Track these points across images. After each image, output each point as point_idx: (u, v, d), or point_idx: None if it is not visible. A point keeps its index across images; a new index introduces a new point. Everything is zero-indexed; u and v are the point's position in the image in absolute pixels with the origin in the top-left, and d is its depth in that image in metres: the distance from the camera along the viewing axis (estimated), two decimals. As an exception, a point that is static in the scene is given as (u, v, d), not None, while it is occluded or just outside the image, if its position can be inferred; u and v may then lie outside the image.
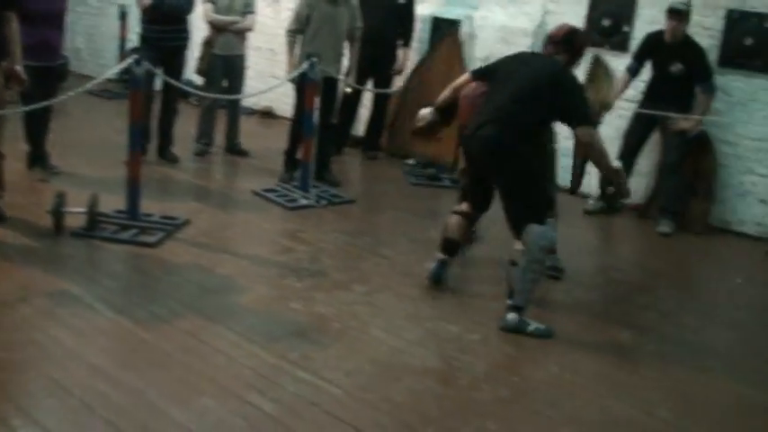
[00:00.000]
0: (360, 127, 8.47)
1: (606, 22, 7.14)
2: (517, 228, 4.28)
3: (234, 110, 7.58)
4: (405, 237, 5.69)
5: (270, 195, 6.26)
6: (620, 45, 7.09)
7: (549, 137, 4.93)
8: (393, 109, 8.23)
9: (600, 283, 5.23)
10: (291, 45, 6.68)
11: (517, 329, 4.16)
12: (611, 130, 6.87)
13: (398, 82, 8.01)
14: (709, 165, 6.62)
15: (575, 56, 4.64)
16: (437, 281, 4.69)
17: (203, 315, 4.04)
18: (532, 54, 4.73)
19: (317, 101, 6.36)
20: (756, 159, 6.51)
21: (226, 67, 7.27)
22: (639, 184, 7.02)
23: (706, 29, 6.54)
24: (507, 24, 7.69)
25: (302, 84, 6.35)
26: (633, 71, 6.62)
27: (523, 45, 7.41)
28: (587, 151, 4.48)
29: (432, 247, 5.56)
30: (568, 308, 4.62)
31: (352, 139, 8.33)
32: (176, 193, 6.23)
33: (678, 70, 6.32)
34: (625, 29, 7.06)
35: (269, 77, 9.19)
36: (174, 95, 6.97)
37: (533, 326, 4.19)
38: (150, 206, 5.44)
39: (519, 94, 4.30)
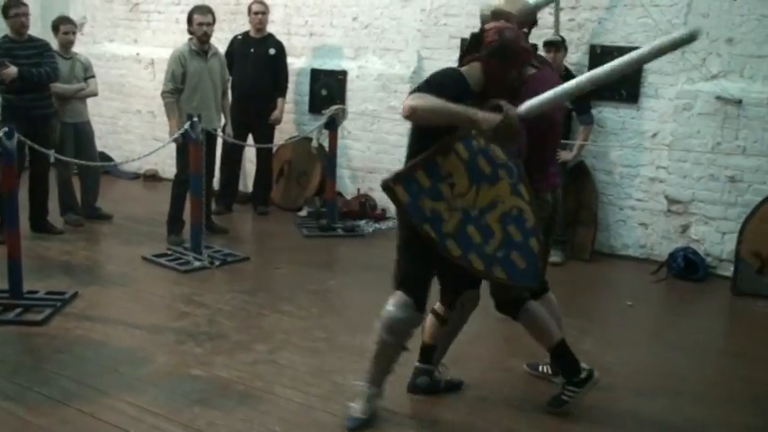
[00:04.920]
0: (248, 183, 8.43)
1: (480, 65, 7.37)
2: None
3: (91, 175, 7.38)
4: (303, 290, 5.64)
5: (161, 260, 6.11)
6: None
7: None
8: (280, 161, 8.23)
9: (498, 317, 5.28)
10: (171, 106, 6.60)
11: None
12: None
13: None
14: (589, 193, 6.89)
15: (488, 56, 3.47)
16: (414, 391, 4.03)
17: (100, 392, 3.87)
18: None
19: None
20: (632, 185, 6.82)
21: (76, 134, 7.12)
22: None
23: (573, 64, 6.85)
24: (385, 72, 7.85)
25: (185, 144, 6.26)
26: None
27: (402, 91, 7.66)
28: (419, 115, 3.33)
29: (331, 297, 5.57)
30: (470, 343, 4.66)
31: (241, 195, 8.26)
32: (61, 267, 5.97)
33: None
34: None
35: (151, 140, 9.06)
36: (46, 166, 6.72)
37: (361, 405, 3.70)
38: (34, 283, 5.22)
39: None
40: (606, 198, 6.93)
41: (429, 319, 3.96)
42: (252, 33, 7.83)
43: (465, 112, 3.27)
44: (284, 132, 8.14)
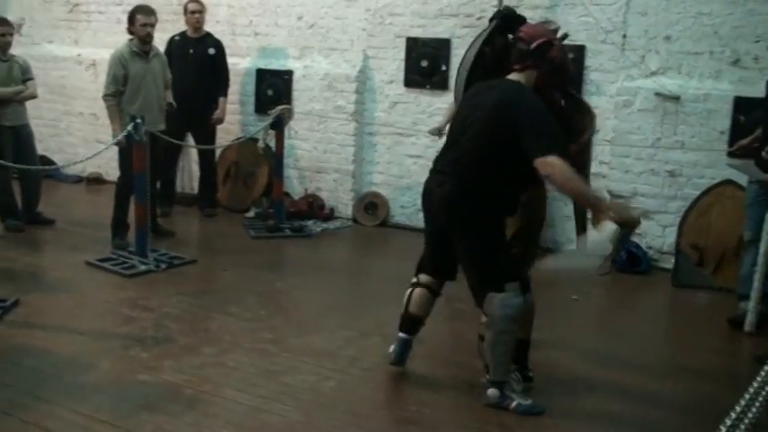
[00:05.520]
0: (195, 185, 8.36)
1: (425, 64, 7.43)
2: (477, 297, 3.86)
3: (32, 180, 7.21)
4: (250, 292, 5.61)
5: (106, 265, 6.01)
6: (440, 84, 7.41)
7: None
8: (226, 162, 8.18)
9: (446, 316, 5.33)
10: (113, 109, 6.48)
11: (499, 405, 3.86)
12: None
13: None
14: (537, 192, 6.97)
15: (548, 71, 3.75)
16: (399, 363, 4.22)
17: (44, 401, 3.79)
18: (497, 81, 3.82)
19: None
20: (576, 181, 6.93)
21: (16, 138, 6.95)
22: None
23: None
24: (330, 72, 7.85)
25: (128, 146, 6.17)
26: None
27: (349, 90, 7.67)
28: (555, 186, 3.61)
29: (279, 298, 5.55)
30: (417, 342, 4.70)
31: (188, 197, 8.18)
32: (1, 273, 5.79)
33: None
34: (443, 68, 7.38)
35: (94, 143, 8.91)
36: None
37: (516, 401, 3.87)
38: (-27, 291, 5.11)
39: (471, 142, 3.73)
40: (551, 194, 7.02)
41: (419, 292, 4.14)
42: (189, 33, 7.76)
43: (594, 200, 3.62)
44: (230, 133, 8.10)
